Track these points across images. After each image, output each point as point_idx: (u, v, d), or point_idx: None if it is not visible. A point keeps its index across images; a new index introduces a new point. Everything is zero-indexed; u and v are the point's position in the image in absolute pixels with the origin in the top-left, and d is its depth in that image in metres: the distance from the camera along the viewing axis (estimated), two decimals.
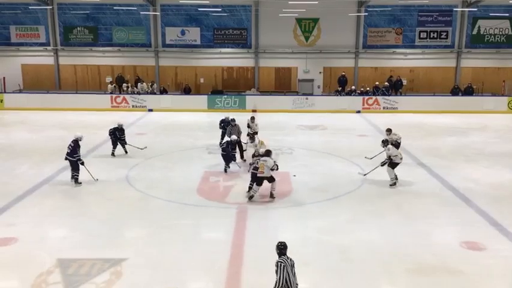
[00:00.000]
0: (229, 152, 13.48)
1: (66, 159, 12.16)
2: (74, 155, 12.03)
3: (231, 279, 7.49)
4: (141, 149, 15.79)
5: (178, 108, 24.63)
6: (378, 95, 25.59)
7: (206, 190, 12.04)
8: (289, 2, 25.33)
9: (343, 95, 26.37)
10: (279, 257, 6.16)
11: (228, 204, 10.86)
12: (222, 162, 13.52)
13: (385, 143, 12.63)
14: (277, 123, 21.44)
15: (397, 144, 13.58)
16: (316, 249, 8.52)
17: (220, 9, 28.23)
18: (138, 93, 26.25)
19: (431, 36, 28.73)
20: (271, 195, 11.16)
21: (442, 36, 28.70)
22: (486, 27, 28.56)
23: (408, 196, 11.52)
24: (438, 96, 26.34)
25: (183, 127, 20.58)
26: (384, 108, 24.96)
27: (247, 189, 11.30)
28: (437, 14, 28.31)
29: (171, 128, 20.59)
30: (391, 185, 12.09)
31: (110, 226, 9.55)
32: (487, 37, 28.71)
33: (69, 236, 9.15)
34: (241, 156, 14.78)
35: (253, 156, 12.73)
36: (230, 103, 25.32)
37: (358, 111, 24.80)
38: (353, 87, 26.82)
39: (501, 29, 28.52)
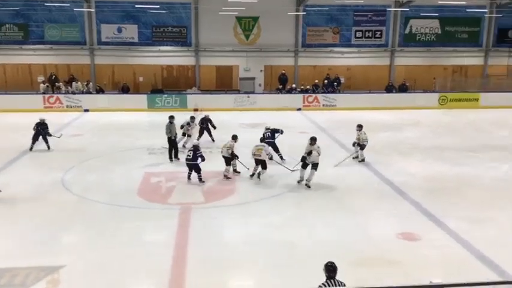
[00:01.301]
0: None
1: None
2: None
3: (175, 281, 7.34)
4: (58, 137, 15.76)
5: (116, 108, 23.91)
6: (318, 92, 26.15)
7: (147, 191, 11.75)
8: (229, 0, 25.28)
9: (284, 93, 26.70)
10: (326, 279, 5.59)
11: (170, 205, 10.66)
12: (160, 162, 13.27)
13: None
14: (219, 122, 21.30)
15: (362, 146, 14.33)
16: (261, 247, 8.53)
17: (158, 7, 27.68)
18: (73, 92, 25.21)
19: (367, 36, 29.71)
20: (258, 176, 12.42)
21: (377, 36, 29.76)
22: (418, 27, 29.94)
23: (349, 191, 11.82)
24: (374, 93, 27.32)
25: (122, 127, 19.99)
26: (323, 105, 25.52)
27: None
28: (371, 14, 29.32)
29: (109, 128, 19.93)
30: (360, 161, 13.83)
31: (46, 232, 9.06)
32: (419, 36, 30.10)
33: (1, 243, 8.59)
34: (175, 156, 14.46)
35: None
36: (171, 102, 24.92)
37: (299, 109, 25.20)
38: (293, 85, 27.22)
39: (431, 29, 30.01)
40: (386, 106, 25.05)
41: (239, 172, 13.16)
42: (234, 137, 13.17)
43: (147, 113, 23.67)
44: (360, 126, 14.78)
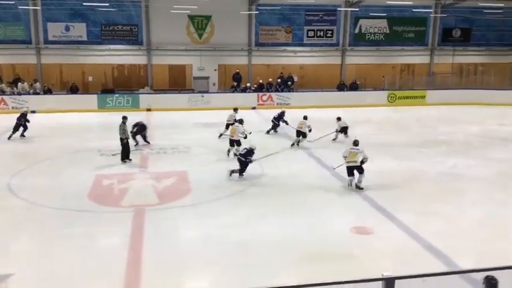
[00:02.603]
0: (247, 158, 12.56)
1: None
2: None
3: (130, 286, 7.19)
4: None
5: (65, 109, 23.14)
6: (271, 91, 26.35)
7: (99, 194, 11.44)
8: None
9: (238, 92, 26.74)
10: None
11: (123, 208, 10.42)
12: (112, 164, 12.96)
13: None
14: (173, 122, 21.11)
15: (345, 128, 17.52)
16: (218, 247, 8.50)
17: (107, 4, 26.97)
18: (19, 93, 24.17)
19: (318, 35, 30.21)
20: (235, 155, 13.75)
21: (328, 35, 30.31)
22: (367, 27, 30.74)
23: (303, 188, 11.98)
24: (326, 91, 27.82)
25: (71, 129, 19.36)
26: (277, 104, 25.75)
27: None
28: (323, 13, 29.83)
29: (57, 130, 19.26)
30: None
31: None
32: (368, 36, 30.91)
33: None
34: (127, 157, 14.13)
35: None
36: (122, 102, 24.39)
37: (254, 108, 25.30)
38: (248, 84, 27.30)
39: (380, 28, 30.89)
40: (338, 104, 25.56)
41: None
42: (241, 121, 15.25)
43: (98, 114, 23.06)
44: (339, 119, 17.63)
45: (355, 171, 11.65)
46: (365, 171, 11.69)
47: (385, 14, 30.32)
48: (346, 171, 11.81)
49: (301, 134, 16.41)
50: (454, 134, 19.01)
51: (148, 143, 16.45)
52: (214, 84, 29.44)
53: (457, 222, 9.75)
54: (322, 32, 30.17)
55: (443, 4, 30.44)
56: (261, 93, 25.98)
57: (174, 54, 28.44)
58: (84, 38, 27.63)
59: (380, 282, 3.20)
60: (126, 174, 12.91)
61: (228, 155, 14.71)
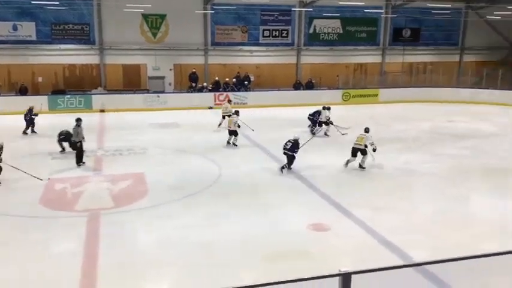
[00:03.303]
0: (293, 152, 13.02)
1: None
2: None
3: None
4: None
5: (13, 111, 22.13)
6: (228, 91, 26.31)
7: (52, 199, 11.05)
8: None
9: (193, 91, 26.54)
10: None
11: (77, 213, 10.11)
12: (64, 167, 12.57)
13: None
14: (128, 123, 20.69)
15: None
16: (177, 249, 8.40)
17: (57, 3, 26.04)
18: None
19: (274, 35, 30.42)
20: (233, 144, 15.87)
21: (283, 35, 30.58)
22: (321, 27, 31.22)
23: (262, 187, 12.04)
24: (282, 90, 28.05)
25: (21, 132, 18.57)
26: (234, 103, 25.67)
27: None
28: (278, 13, 30.05)
29: (5, 133, 18.41)
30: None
31: None
32: (322, 36, 31.41)
33: None
34: (81, 160, 13.70)
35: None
36: (74, 103, 23.67)
37: (211, 107, 25.18)
38: (204, 83, 27.13)
39: (333, 28, 31.45)
40: (294, 103, 25.82)
41: (237, 145, 16.07)
42: (237, 112, 16.64)
43: (49, 115, 22.25)
44: (327, 108, 18.59)
45: (359, 154, 13.36)
46: (368, 154, 13.25)
47: (338, 15, 30.89)
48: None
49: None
50: (406, 131, 19.60)
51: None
52: (170, 84, 29.07)
53: (411, 216, 10.07)
54: (277, 31, 30.40)
55: (394, 5, 31.35)
56: (217, 93, 25.88)
57: (128, 54, 27.86)
58: (34, 38, 26.58)
59: (337, 278, 3.25)
60: (79, 178, 12.53)
61: (228, 144, 16.21)
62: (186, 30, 28.35)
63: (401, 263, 7.51)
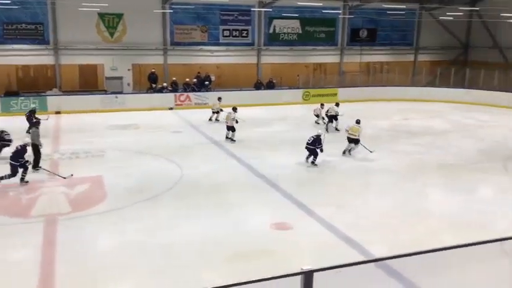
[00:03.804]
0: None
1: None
2: (19, 159, 11.48)
3: None
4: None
5: None
6: (189, 91, 26.08)
7: (6, 206, 10.64)
8: None
9: (152, 92, 26.16)
10: None
11: (33, 219, 9.76)
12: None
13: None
14: (85, 125, 20.16)
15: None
16: (137, 252, 8.26)
17: (9, 2, 25.00)
18: None
19: (234, 35, 30.37)
20: (231, 139, 16.63)
21: (243, 35, 30.59)
22: (280, 27, 31.42)
23: (224, 187, 12.00)
24: (244, 90, 28.07)
25: None
26: (195, 103, 25.54)
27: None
28: (237, 13, 30.02)
29: None
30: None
31: None
32: (282, 36, 31.63)
33: None
34: (38, 164, 13.12)
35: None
36: (28, 105, 22.75)
37: (171, 108, 24.89)
38: (164, 84, 26.77)
39: (293, 28, 31.72)
40: (256, 103, 25.89)
41: (234, 140, 16.67)
42: (234, 109, 17.48)
43: (1, 118, 21.37)
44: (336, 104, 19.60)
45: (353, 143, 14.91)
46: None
47: (297, 15, 31.18)
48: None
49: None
50: (364, 129, 19.95)
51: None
52: (128, 84, 28.49)
53: (370, 213, 10.29)
54: (237, 31, 30.38)
55: (351, 6, 31.95)
56: (178, 93, 25.60)
57: (84, 54, 27.11)
58: None
59: (299, 276, 3.27)
60: (35, 182, 12.08)
61: (226, 139, 16.94)
62: (144, 29, 27.87)
63: (362, 258, 7.65)
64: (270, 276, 3.14)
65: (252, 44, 30.79)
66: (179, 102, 25.28)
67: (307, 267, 3.30)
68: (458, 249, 4.19)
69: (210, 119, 21.33)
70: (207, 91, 26.91)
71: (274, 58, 31.37)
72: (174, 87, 26.46)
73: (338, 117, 19.53)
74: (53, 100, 23.51)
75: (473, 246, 3.83)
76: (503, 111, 24.58)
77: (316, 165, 13.86)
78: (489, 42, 33.07)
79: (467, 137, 18.48)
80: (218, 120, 21.03)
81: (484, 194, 12.21)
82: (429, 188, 12.40)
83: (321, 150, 13.85)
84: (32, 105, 18.39)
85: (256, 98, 26.74)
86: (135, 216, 10.00)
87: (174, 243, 8.61)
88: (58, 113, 22.82)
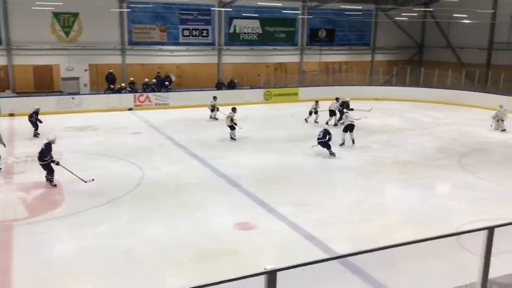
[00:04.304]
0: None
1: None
2: (44, 158, 11.39)
3: None
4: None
5: None
6: (148, 91, 25.70)
7: None
8: None
9: (110, 93, 25.64)
10: None
11: None
12: None
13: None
14: (40, 127, 19.48)
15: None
16: (97, 257, 8.07)
17: None
18: None
19: (194, 34, 30.13)
20: (231, 138, 17.25)
21: (204, 34, 30.40)
22: (241, 27, 31.43)
23: (186, 188, 11.89)
24: (205, 91, 27.91)
25: None
26: (156, 104, 25.20)
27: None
28: (197, 13, 29.81)
29: None
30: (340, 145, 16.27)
31: None
32: (242, 35, 31.65)
33: None
34: None
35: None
36: None
37: (130, 109, 24.45)
38: (123, 84, 26.26)
39: (253, 28, 31.80)
40: (217, 102, 25.76)
41: (235, 139, 17.20)
42: (234, 109, 17.97)
43: None
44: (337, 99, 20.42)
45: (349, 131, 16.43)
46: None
47: (257, 15, 31.26)
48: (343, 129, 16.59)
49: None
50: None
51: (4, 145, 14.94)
52: (85, 85, 27.76)
53: (330, 210, 10.47)
54: (197, 31, 30.16)
55: (309, 6, 32.34)
56: (137, 94, 25.17)
57: (39, 54, 26.21)
58: None
59: (262, 276, 3.28)
60: None
61: (232, 138, 17.41)
62: (101, 29, 27.23)
63: (324, 256, 7.77)
64: (233, 277, 3.13)
65: (212, 44, 30.66)
66: (139, 103, 24.88)
67: (270, 266, 3.31)
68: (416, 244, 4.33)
69: (210, 117, 21.93)
70: (167, 91, 26.60)
71: (235, 58, 31.34)
72: (132, 88, 26.01)
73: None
74: (6, 102, 22.66)
75: (431, 241, 3.96)
76: (457, 108, 25.54)
77: (334, 154, 14.93)
78: (442, 42, 34.25)
79: (424, 134, 19.08)
80: (217, 119, 21.47)
81: (440, 189, 12.64)
82: (388, 185, 12.73)
83: (329, 140, 14.97)
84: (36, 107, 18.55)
85: (217, 97, 26.63)
86: (94, 220, 9.76)
87: (136, 247, 8.46)
88: (12, 115, 22.01)
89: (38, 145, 15.92)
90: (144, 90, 25.82)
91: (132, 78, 26.32)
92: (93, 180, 11.78)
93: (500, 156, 15.77)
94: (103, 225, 9.45)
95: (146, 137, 18.08)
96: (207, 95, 26.74)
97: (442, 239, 3.99)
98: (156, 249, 8.37)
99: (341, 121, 19.57)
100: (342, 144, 16.41)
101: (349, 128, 16.53)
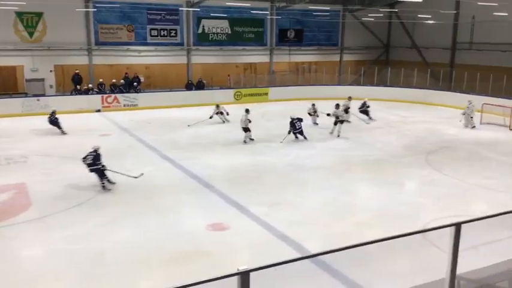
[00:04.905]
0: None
1: (91, 170, 11.64)
2: (97, 162, 11.69)
3: None
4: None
5: None
6: (116, 92, 25.29)
7: None
8: None
9: (76, 94, 25.12)
10: None
11: None
12: None
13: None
14: (5, 130, 18.97)
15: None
16: (66, 261, 7.91)
17: None
18: None
19: (162, 34, 29.82)
20: (245, 141, 16.96)
21: (172, 34, 30.12)
22: (209, 27, 31.30)
23: (157, 190, 11.77)
24: (174, 91, 27.69)
25: None
26: (124, 105, 24.83)
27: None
28: (165, 12, 29.51)
29: None
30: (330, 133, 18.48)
31: None
32: (211, 36, 31.52)
33: None
34: None
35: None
36: None
37: (98, 110, 24.02)
38: (90, 85, 25.76)
39: (222, 29, 31.72)
40: (188, 103, 25.66)
41: (253, 139, 17.17)
42: (247, 110, 17.58)
43: None
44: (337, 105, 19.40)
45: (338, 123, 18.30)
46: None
47: (226, 15, 31.20)
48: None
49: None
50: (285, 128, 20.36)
51: None
52: (51, 86, 27.09)
53: (302, 209, 10.56)
54: (166, 31, 29.86)
55: (278, 7, 32.50)
56: (105, 95, 24.73)
57: (2, 55, 25.41)
58: None
59: (235, 277, 3.29)
60: None
61: (244, 141, 17.07)
62: (66, 29, 26.60)
63: (297, 255, 7.84)
64: (205, 279, 3.12)
65: (181, 44, 30.42)
66: (107, 104, 24.47)
67: (243, 267, 3.31)
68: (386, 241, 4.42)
69: (223, 121, 21.59)
70: (136, 92, 26.24)
71: (205, 58, 31.19)
72: (101, 89, 25.54)
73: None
74: None
75: (399, 238, 4.04)
76: (423, 107, 26.16)
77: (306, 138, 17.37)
78: (408, 42, 35.01)
79: (392, 133, 19.46)
80: (226, 121, 21.35)
81: (408, 187, 12.93)
82: (357, 183, 12.93)
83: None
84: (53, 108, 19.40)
85: (187, 98, 26.51)
86: (62, 224, 9.55)
87: (106, 251, 8.33)
88: None
89: (3, 149, 15.54)
90: (112, 91, 25.40)
91: (101, 80, 25.84)
92: (142, 174, 12.01)
93: (466, 153, 16.23)
94: (72, 229, 9.25)
95: (115, 139, 17.79)
96: (176, 96, 26.64)
97: (411, 236, 4.08)
98: (127, 252, 8.25)
99: (372, 118, 21.48)
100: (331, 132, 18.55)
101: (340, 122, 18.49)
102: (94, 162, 11.71)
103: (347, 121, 20.04)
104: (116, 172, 11.86)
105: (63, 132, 18.51)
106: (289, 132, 17.45)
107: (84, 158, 11.88)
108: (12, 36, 25.50)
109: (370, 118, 21.86)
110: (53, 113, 18.90)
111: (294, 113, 17.97)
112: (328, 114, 19.28)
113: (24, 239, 8.90)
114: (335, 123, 18.63)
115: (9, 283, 7.20)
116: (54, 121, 18.61)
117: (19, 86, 26.26)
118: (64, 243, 8.62)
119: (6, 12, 24.72)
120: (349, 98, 21.89)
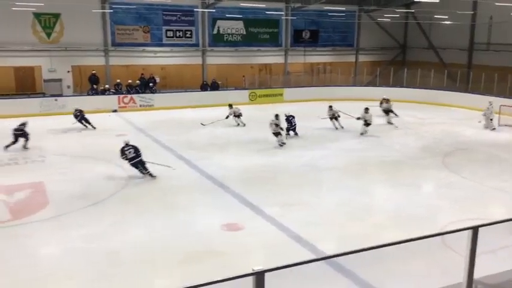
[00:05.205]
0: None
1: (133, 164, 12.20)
2: (138, 153, 12.32)
3: None
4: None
5: None
6: (132, 93, 25.50)
7: None
8: None
9: (94, 94, 25.37)
10: None
11: None
12: None
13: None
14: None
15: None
16: (81, 260, 7.97)
17: None
18: None
19: (178, 35, 29.98)
20: (280, 145, 16.60)
21: (187, 35, 30.27)
22: (224, 28, 31.38)
23: (172, 190, 11.83)
24: (189, 92, 27.81)
25: None
26: (140, 106, 25.03)
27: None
28: (180, 13, 29.67)
29: None
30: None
31: None
32: (226, 36, 31.59)
33: None
34: None
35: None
36: None
37: (115, 110, 24.24)
38: (107, 85, 26.02)
39: (237, 29, 31.77)
40: (202, 104, 25.75)
41: (284, 143, 16.76)
42: (277, 116, 17.17)
43: None
44: (366, 109, 19.13)
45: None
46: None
47: (241, 16, 31.24)
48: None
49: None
50: (308, 128, 20.33)
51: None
52: (68, 86, 27.44)
53: (318, 210, 10.50)
54: (181, 32, 30.01)
55: (293, 7, 32.43)
56: (122, 96, 24.95)
57: (20, 56, 25.81)
58: None
59: (251, 277, 3.28)
60: None
61: (280, 145, 16.71)
62: (83, 30, 26.91)
63: (312, 256, 7.79)
64: (220, 279, 3.11)
65: (196, 45, 30.54)
66: (123, 105, 24.68)
67: (258, 267, 3.30)
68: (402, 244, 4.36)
69: (238, 124, 21.11)
70: (151, 93, 26.43)
71: (220, 59, 31.27)
72: (118, 90, 25.78)
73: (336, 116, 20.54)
74: None
75: (417, 241, 3.99)
76: (439, 108, 25.85)
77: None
78: (424, 43, 34.64)
79: (409, 134, 19.26)
80: (243, 124, 20.94)
81: (425, 189, 12.78)
82: (373, 184, 12.82)
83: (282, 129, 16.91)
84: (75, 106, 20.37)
85: (202, 99, 26.60)
86: (79, 222, 9.65)
87: (121, 250, 8.38)
88: None
89: (21, 148, 15.76)
90: (128, 92, 25.61)
91: (118, 80, 26.09)
92: (175, 169, 12.87)
93: (483, 156, 15.99)
94: (87, 228, 9.34)
95: (131, 139, 17.85)
96: (191, 96, 26.76)
97: (428, 238, 4.03)
98: (142, 251, 8.29)
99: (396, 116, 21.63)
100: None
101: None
102: (137, 154, 12.23)
103: (395, 115, 21.41)
104: (154, 163, 12.51)
105: (93, 128, 19.61)
106: (287, 130, 17.80)
107: (123, 154, 12.10)
108: (30, 37, 25.89)
109: (396, 115, 21.95)
110: (81, 111, 19.85)
111: (288, 110, 18.97)
112: (358, 118, 19.12)
113: (38, 237, 9.01)
114: (366, 125, 18.87)
115: (24, 281, 7.28)
116: (84, 119, 19.70)
117: (37, 86, 26.65)
118: (79, 242, 8.70)
119: (24, 13, 25.11)
120: (387, 101, 22.31)
